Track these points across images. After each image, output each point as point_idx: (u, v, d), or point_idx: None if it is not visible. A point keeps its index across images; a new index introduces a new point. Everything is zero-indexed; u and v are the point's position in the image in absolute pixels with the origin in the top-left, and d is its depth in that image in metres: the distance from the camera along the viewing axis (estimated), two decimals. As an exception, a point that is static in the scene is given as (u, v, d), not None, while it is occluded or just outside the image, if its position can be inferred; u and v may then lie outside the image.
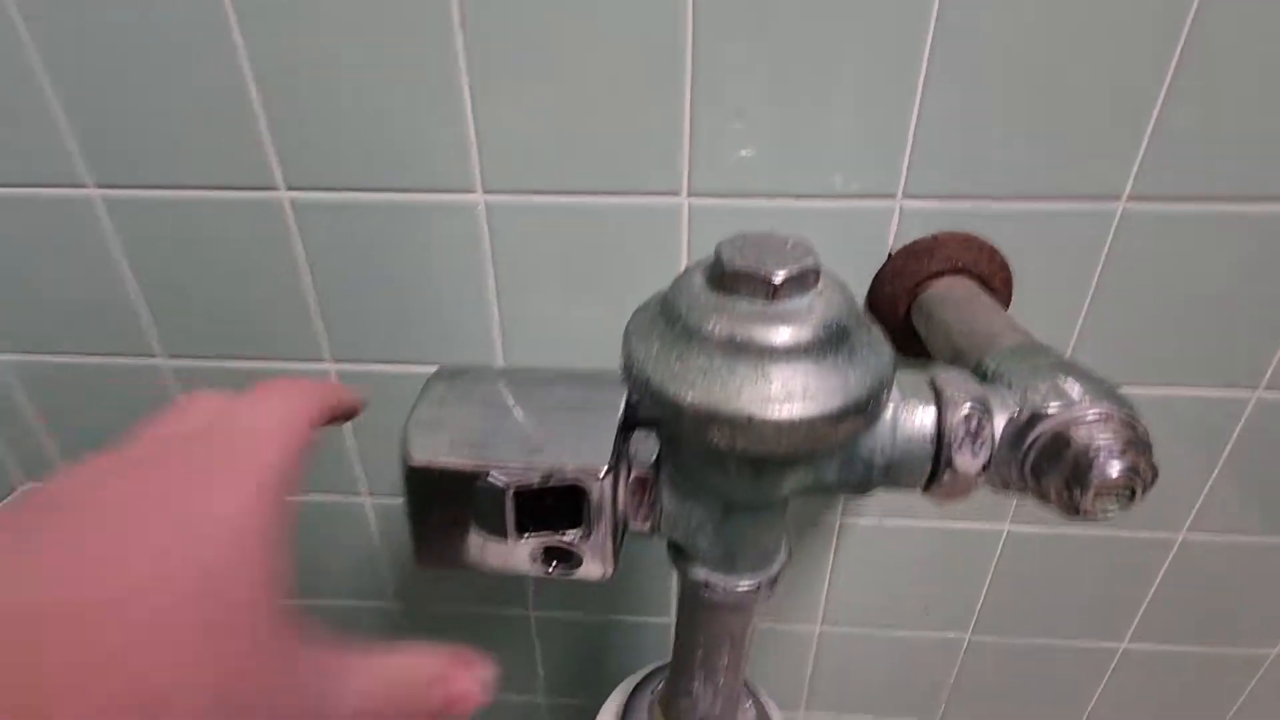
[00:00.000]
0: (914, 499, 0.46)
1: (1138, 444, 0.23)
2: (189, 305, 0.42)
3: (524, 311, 0.41)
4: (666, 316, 0.23)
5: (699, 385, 0.21)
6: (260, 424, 0.19)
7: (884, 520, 0.47)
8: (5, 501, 0.49)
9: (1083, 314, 0.39)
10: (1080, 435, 0.23)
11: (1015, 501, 0.46)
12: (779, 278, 0.21)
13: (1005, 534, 0.47)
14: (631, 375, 0.23)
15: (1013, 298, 0.38)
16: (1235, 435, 0.42)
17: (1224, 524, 0.45)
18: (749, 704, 0.38)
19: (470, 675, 0.20)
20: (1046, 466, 0.24)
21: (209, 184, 0.38)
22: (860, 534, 0.48)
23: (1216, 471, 0.43)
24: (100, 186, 0.39)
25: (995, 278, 0.36)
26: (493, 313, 0.41)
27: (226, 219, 0.39)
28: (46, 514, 0.15)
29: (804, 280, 0.22)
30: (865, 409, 0.22)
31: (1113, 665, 0.53)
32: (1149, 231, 0.36)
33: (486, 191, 0.37)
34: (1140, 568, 0.48)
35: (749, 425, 0.21)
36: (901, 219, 0.37)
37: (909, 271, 0.37)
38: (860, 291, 0.39)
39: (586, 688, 0.58)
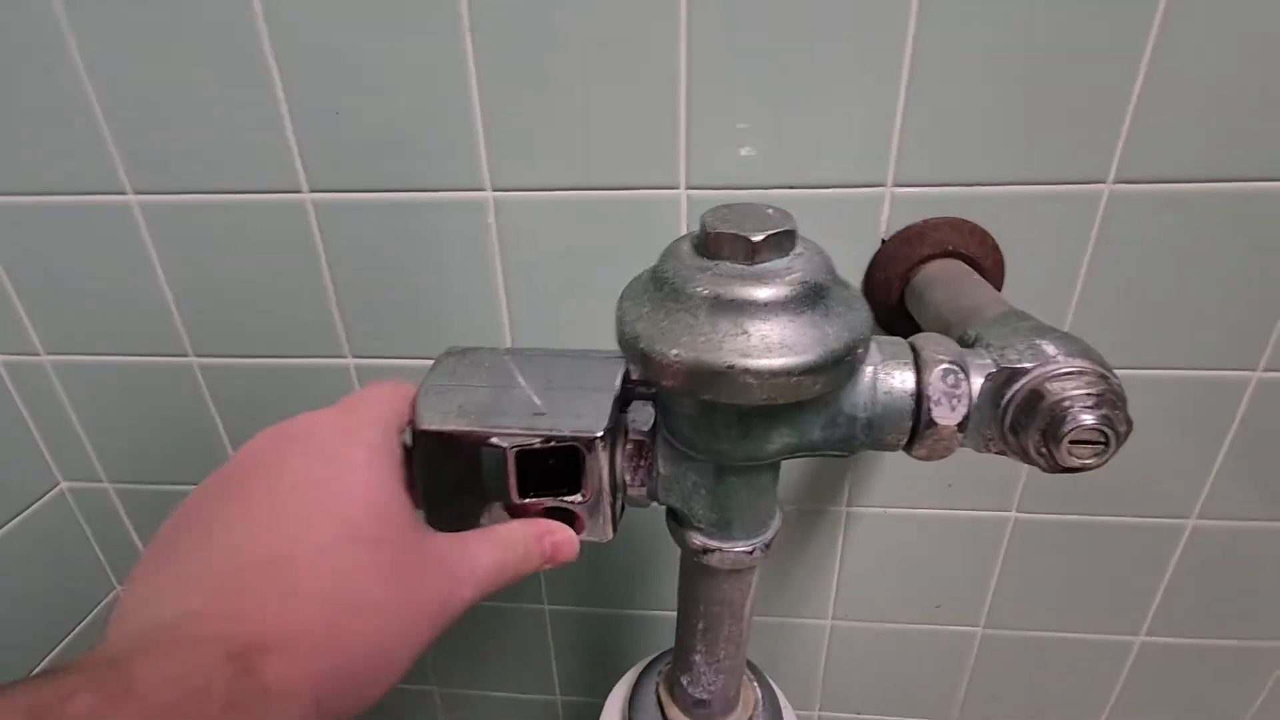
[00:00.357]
0: (915, 489, 0.47)
1: (1110, 395, 0.24)
2: (218, 306, 0.45)
3: (531, 303, 0.43)
4: (656, 281, 0.25)
5: (684, 341, 0.23)
6: (367, 411, 0.26)
7: (888, 509, 0.48)
8: (42, 499, 0.52)
9: (1076, 295, 0.39)
10: (1054, 388, 0.24)
11: (1021, 485, 0.46)
12: (758, 238, 0.23)
13: (1012, 521, 0.47)
14: (623, 337, 0.25)
15: (1005, 279, 0.39)
16: (1238, 417, 0.42)
17: (1235, 510, 0.45)
18: (754, 684, 0.39)
19: (563, 527, 0.28)
20: (1024, 422, 0.25)
21: (239, 189, 0.41)
22: (866, 523, 0.48)
23: (1222, 455, 0.43)
24: (138, 193, 0.41)
25: (986, 259, 0.38)
26: (501, 305, 0.43)
27: (254, 221, 0.42)
28: (241, 486, 0.22)
29: (781, 242, 0.23)
30: (842, 361, 0.23)
31: (1131, 659, 0.52)
32: (1137, 214, 0.37)
33: (494, 189, 0.39)
34: (1152, 556, 0.48)
35: (730, 376, 0.22)
36: (893, 206, 0.38)
37: (901, 256, 0.38)
38: (856, 277, 0.40)
39: (600, 685, 0.59)
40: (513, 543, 0.27)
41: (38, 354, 0.48)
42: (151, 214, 0.42)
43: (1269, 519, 0.45)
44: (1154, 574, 0.48)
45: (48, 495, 0.52)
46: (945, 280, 0.36)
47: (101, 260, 0.44)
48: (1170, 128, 0.35)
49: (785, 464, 0.29)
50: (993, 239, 0.37)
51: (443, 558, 0.24)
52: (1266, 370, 0.40)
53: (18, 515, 0.50)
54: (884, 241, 0.39)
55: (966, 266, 0.37)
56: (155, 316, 0.45)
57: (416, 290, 0.43)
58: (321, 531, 0.21)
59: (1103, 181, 0.36)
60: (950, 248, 0.37)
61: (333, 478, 0.23)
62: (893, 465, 0.46)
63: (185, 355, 0.47)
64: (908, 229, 0.38)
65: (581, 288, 0.42)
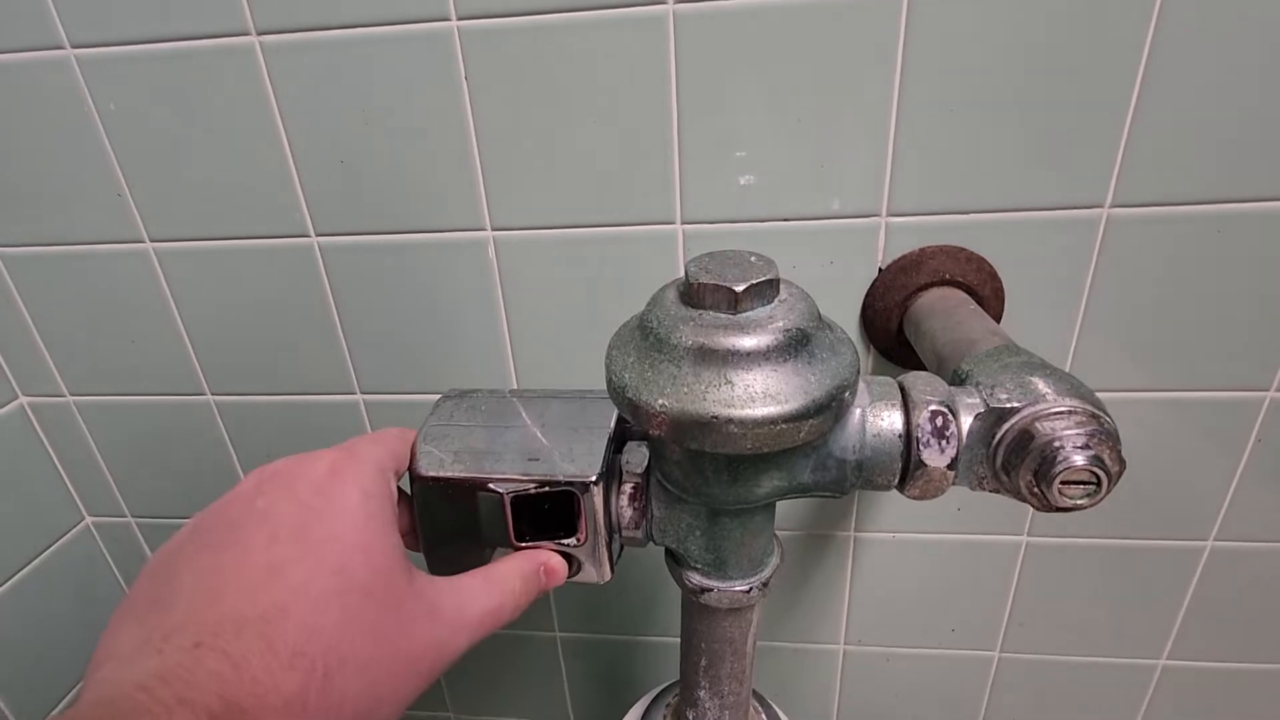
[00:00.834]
0: (923, 513, 0.46)
1: (1102, 435, 0.24)
2: (233, 346, 0.46)
3: (534, 338, 0.43)
4: (642, 330, 0.25)
5: (669, 391, 0.23)
6: (361, 452, 0.26)
7: (897, 534, 0.47)
8: (69, 534, 0.54)
9: (1079, 320, 0.39)
10: (1044, 428, 0.24)
11: (1031, 512, 0.45)
12: (740, 288, 0.23)
13: (1024, 545, 0.47)
14: (612, 386, 0.25)
15: (1005, 306, 0.39)
16: (1253, 437, 0.41)
17: (1254, 530, 0.44)
18: (762, 715, 0.39)
19: (552, 554, 0.28)
20: (1015, 461, 0.25)
21: (249, 235, 0.42)
22: (875, 549, 0.48)
23: (1238, 476, 0.43)
24: (155, 241, 0.43)
25: (985, 287, 0.37)
26: (505, 340, 0.43)
27: (265, 265, 0.43)
28: (228, 533, 0.22)
29: (764, 290, 0.24)
30: (826, 409, 0.23)
31: (1153, 684, 0.51)
32: (1137, 237, 0.37)
33: (494, 229, 0.40)
34: (1170, 579, 0.47)
35: (714, 426, 0.22)
36: (888, 235, 0.38)
37: (898, 285, 0.38)
38: (854, 307, 0.40)
39: (614, 710, 0.59)
40: (509, 581, 0.26)
41: (62, 395, 0.49)
42: (168, 260, 0.44)
43: (1291, 540, 0.44)
44: (1174, 597, 0.47)
45: (74, 530, 0.54)
46: (941, 310, 0.36)
47: (121, 305, 0.45)
48: (1167, 149, 0.35)
49: (782, 501, 0.29)
50: (990, 266, 0.37)
51: (436, 607, 0.24)
52: (1280, 390, 0.40)
53: (46, 550, 0.52)
54: (881, 271, 0.39)
55: (964, 295, 0.37)
56: (173, 357, 0.47)
57: (423, 328, 0.44)
58: (311, 584, 0.21)
59: (1100, 206, 0.36)
60: (947, 276, 0.37)
61: (323, 523, 0.22)
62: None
63: (203, 394, 0.48)
64: (904, 257, 0.38)
65: (583, 322, 0.42)
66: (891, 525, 0.47)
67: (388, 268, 0.42)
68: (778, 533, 0.31)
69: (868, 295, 0.39)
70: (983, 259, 0.37)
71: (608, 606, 0.54)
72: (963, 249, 0.37)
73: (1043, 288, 0.38)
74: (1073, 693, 0.52)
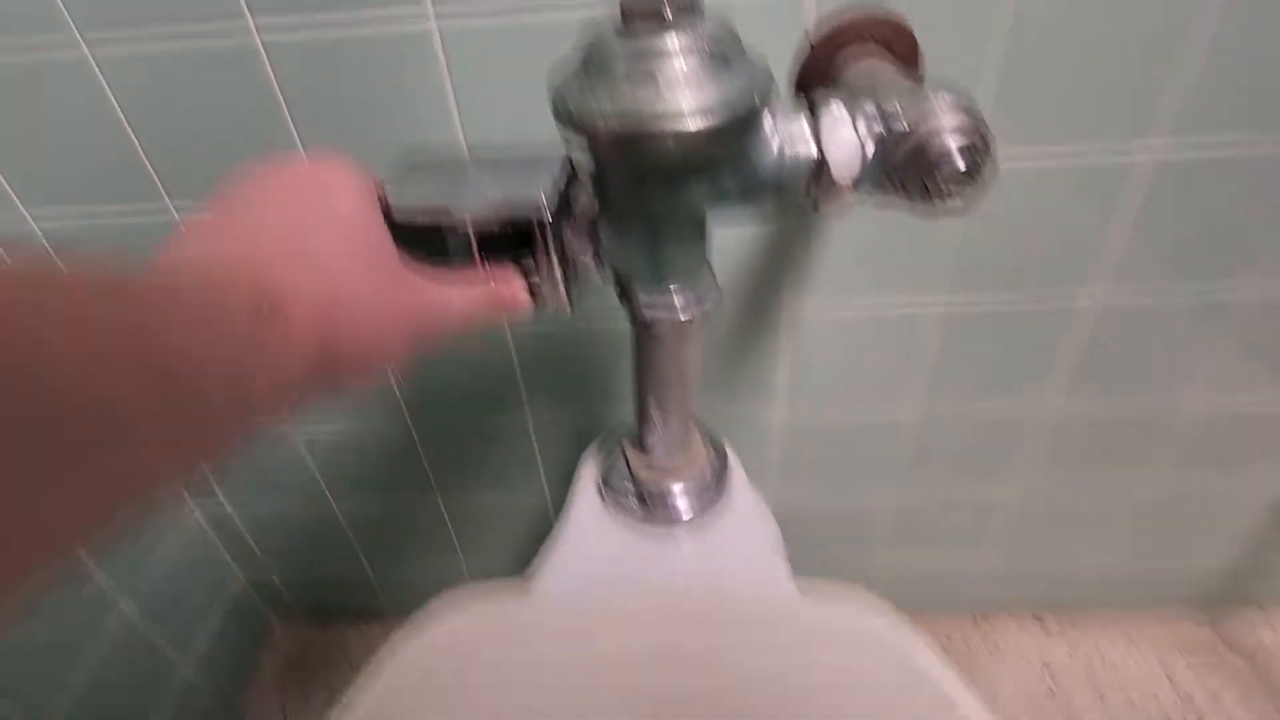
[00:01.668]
0: (854, 288, 0.51)
1: (980, 140, 0.28)
2: (187, 152, 0.47)
3: (485, 123, 0.45)
4: (582, 59, 0.28)
5: (608, 108, 0.26)
6: (339, 158, 0.29)
7: (832, 313, 0.53)
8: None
9: (994, 78, 0.42)
10: (931, 135, 0.28)
11: (950, 281, 0.51)
12: (668, 12, 0.26)
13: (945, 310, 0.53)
14: (557, 110, 0.28)
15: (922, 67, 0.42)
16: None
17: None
18: (705, 442, 0.46)
19: (518, 278, 0.31)
20: (910, 169, 0.29)
21: (184, 18, 0.42)
22: (810, 328, 0.54)
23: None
24: (92, 47, 0.42)
25: (902, 46, 0.40)
26: (457, 131, 0.45)
27: (205, 62, 0.43)
28: (237, 204, 0.25)
29: (688, 12, 0.26)
30: (747, 118, 0.26)
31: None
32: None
33: (438, 17, 0.41)
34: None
35: (650, 137, 0.26)
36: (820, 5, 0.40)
37: (826, 57, 0.41)
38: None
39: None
40: (481, 286, 0.31)
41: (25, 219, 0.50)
42: (108, 66, 0.43)
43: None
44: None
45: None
46: (865, 72, 0.39)
47: (67, 117, 0.45)
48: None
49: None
50: (908, 29, 0.40)
51: (426, 287, 0.28)
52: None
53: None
54: (813, 47, 0.41)
55: (887, 59, 0.40)
56: (128, 168, 0.47)
57: (373, 118, 0.45)
58: (323, 240, 0.25)
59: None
60: (868, 37, 0.40)
61: (328, 200, 0.26)
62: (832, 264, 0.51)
63: (161, 200, 0.49)
64: (832, 31, 0.40)
65: (533, 106, 0.44)
66: (823, 304, 0.53)
67: (335, 59, 0.42)
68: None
69: (800, 70, 0.42)
70: (899, 23, 0.40)
71: (572, 383, 0.60)
72: (879, 12, 0.40)
73: (955, 48, 0.41)
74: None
